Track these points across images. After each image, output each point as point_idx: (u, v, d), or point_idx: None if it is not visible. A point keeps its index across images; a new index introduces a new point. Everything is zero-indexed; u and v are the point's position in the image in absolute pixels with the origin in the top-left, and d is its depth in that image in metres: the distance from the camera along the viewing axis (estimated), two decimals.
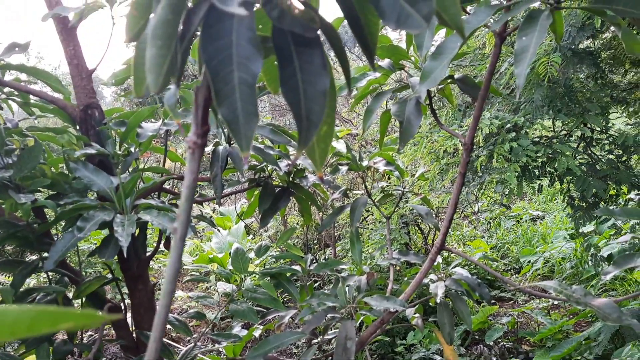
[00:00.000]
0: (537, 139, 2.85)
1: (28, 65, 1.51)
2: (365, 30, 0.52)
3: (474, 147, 2.71)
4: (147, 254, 1.61)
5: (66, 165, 1.36)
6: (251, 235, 6.21)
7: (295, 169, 1.73)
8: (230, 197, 6.91)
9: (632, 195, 2.85)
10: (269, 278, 1.72)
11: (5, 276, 3.68)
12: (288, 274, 1.74)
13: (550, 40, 2.38)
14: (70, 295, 1.50)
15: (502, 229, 5.96)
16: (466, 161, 1.25)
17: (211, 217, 6.65)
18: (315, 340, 1.75)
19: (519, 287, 1.30)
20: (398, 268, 4.18)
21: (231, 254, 1.74)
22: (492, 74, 1.12)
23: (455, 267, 1.63)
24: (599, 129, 2.82)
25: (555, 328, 3.27)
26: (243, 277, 1.74)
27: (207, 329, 3.21)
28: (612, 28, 2.34)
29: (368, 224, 4.98)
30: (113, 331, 1.64)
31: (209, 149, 1.48)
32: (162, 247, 1.65)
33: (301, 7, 0.44)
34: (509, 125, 2.68)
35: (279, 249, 4.33)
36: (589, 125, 2.77)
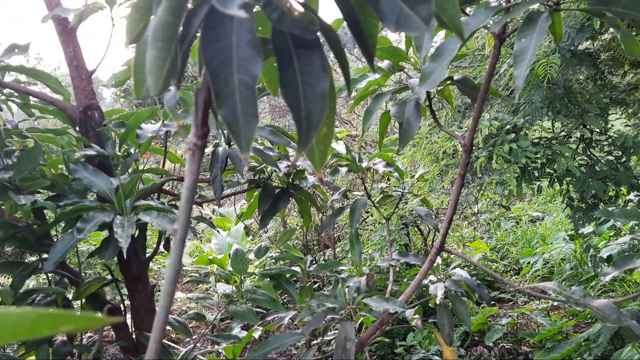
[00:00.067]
0: (536, 140, 2.85)
1: (28, 66, 1.51)
2: (364, 32, 0.53)
3: (474, 148, 2.71)
4: (147, 255, 1.61)
5: (66, 166, 1.36)
6: (251, 237, 6.20)
7: (294, 170, 1.73)
8: (230, 198, 6.90)
9: (631, 196, 2.85)
10: (268, 279, 1.72)
11: (5, 277, 3.67)
12: (288, 275, 1.74)
13: (550, 42, 2.38)
14: (70, 296, 1.50)
15: (502, 230, 5.95)
16: (466, 162, 1.25)
17: (211, 218, 6.65)
18: (315, 342, 1.75)
19: (518, 288, 1.31)
20: (398, 269, 4.18)
21: (231, 255, 1.74)
22: (492, 75, 1.12)
23: (454, 268, 1.63)
24: (598, 130, 2.82)
25: (554, 329, 3.27)
26: (243, 278, 1.74)
27: (207, 330, 3.21)
28: (611, 29, 2.34)
29: (368, 225, 4.97)
30: (113, 332, 1.64)
31: (208, 150, 1.48)
32: (161, 248, 1.64)
33: (301, 9, 0.44)
34: (508, 127, 2.68)
35: (279, 250, 4.33)
36: (588, 127, 2.77)
